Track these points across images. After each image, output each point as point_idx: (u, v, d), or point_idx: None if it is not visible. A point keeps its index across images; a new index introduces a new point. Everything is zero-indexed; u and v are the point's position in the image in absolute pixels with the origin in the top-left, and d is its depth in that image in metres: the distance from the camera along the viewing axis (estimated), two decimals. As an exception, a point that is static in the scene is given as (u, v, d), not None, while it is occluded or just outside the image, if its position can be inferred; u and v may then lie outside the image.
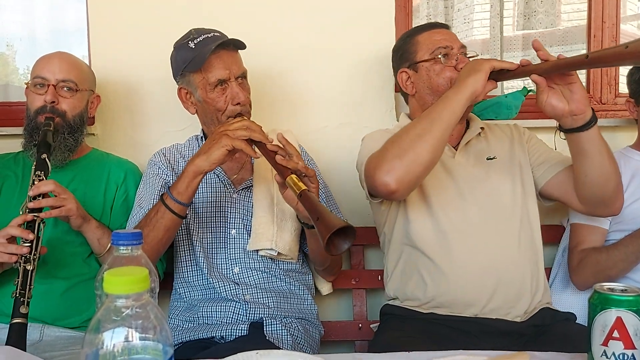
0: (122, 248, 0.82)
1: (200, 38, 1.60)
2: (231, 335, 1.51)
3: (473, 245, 1.50)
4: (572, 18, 2.56)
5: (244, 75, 1.65)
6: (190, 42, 1.61)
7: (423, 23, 1.83)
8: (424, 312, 1.52)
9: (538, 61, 1.33)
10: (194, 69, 1.59)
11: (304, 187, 1.32)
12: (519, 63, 1.36)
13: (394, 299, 1.62)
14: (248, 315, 1.56)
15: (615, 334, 0.96)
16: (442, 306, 1.51)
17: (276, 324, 1.54)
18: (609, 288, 1.01)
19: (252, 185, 1.68)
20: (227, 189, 1.69)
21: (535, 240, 1.58)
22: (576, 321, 1.56)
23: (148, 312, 0.67)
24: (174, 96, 1.71)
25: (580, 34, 2.32)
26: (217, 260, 1.64)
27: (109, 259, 0.83)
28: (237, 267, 1.63)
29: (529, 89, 2.05)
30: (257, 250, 1.62)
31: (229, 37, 1.62)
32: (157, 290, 0.88)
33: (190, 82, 1.63)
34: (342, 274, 1.94)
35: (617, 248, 1.68)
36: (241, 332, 1.51)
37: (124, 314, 0.66)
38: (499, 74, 1.38)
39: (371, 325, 1.79)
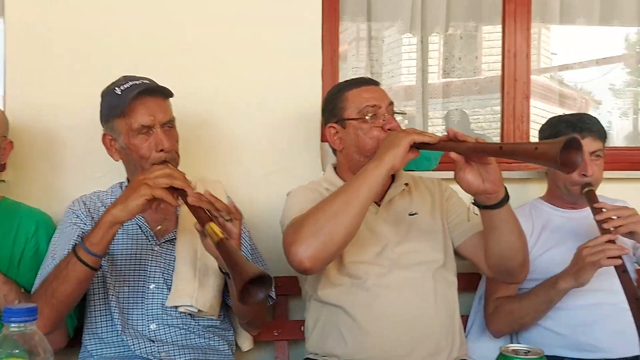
0: (13, 325, 0.77)
1: (128, 85, 1.58)
2: (145, 396, 1.45)
3: (393, 303, 1.51)
4: (491, 68, 2.70)
5: (170, 123, 1.62)
6: (117, 88, 1.59)
7: (352, 77, 1.87)
8: None
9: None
10: (117, 115, 1.57)
11: (222, 236, 1.28)
12: (439, 137, 1.39)
13: (314, 353, 1.61)
14: (163, 374, 1.50)
15: (520, 396, 1.00)
16: None
17: (192, 383, 1.49)
18: (514, 350, 1.06)
19: (175, 238, 1.64)
20: (149, 240, 1.64)
21: (452, 296, 1.62)
22: (491, 370, 1.60)
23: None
24: (96, 142, 1.67)
25: (497, 86, 2.45)
26: (133, 316, 1.58)
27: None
28: (154, 324, 1.57)
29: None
30: (177, 307, 1.57)
31: (158, 85, 1.61)
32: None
33: (114, 128, 1.60)
34: (264, 325, 1.91)
35: (529, 297, 1.75)
36: (155, 393, 1.45)
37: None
38: (420, 144, 1.41)
39: (292, 380, 1.77)
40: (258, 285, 1.18)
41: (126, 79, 1.61)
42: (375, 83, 1.71)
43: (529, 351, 1.05)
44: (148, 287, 1.60)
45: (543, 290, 1.72)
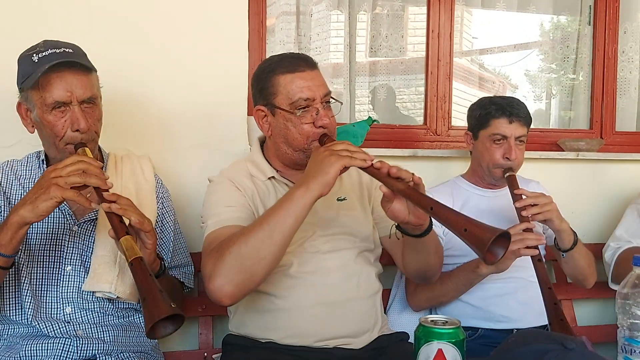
0: None
1: (47, 52, 1.44)
2: (58, 376, 1.38)
3: (317, 287, 1.50)
4: (416, 49, 2.74)
5: (91, 101, 1.49)
6: (34, 54, 1.45)
7: (280, 52, 1.79)
8: (263, 341, 1.51)
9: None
10: (31, 86, 1.44)
11: (137, 255, 1.22)
12: (371, 161, 1.32)
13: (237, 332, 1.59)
14: (79, 352, 1.44)
15: (437, 365, 1.04)
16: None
17: (110, 360, 1.44)
18: (432, 321, 1.10)
19: (96, 218, 1.54)
20: (67, 220, 1.53)
21: (375, 279, 1.62)
22: (409, 340, 1.64)
23: None
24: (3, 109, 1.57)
25: (422, 66, 2.50)
26: (47, 299, 1.49)
27: None
28: (70, 307, 1.49)
29: (373, 119, 2.15)
30: (94, 292, 1.49)
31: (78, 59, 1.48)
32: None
33: (29, 99, 1.48)
34: (189, 300, 1.89)
35: (450, 279, 1.80)
36: (70, 372, 1.39)
37: None
38: None
39: (213, 356, 1.74)
40: (169, 318, 1.12)
41: (46, 44, 1.47)
42: (312, 66, 1.53)
43: (446, 322, 1.10)
44: (64, 269, 1.51)
45: (464, 274, 1.78)
